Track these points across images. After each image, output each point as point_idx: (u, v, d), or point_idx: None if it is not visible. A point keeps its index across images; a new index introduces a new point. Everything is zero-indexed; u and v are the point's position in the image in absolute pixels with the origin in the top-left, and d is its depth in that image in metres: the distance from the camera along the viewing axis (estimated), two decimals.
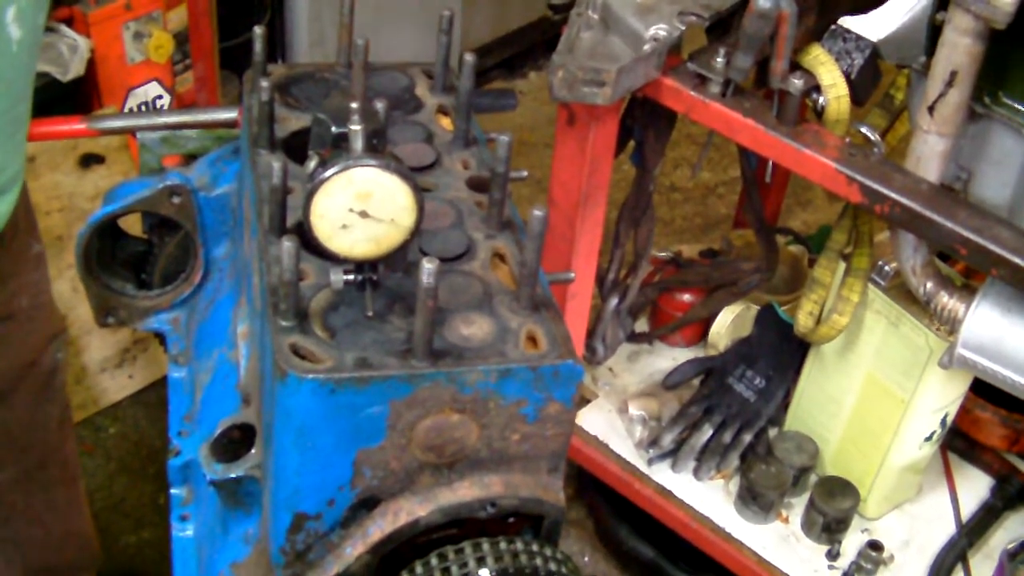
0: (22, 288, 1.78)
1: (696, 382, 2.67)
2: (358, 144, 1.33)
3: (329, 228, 1.34)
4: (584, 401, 2.70)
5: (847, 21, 1.98)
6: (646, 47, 1.93)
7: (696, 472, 2.54)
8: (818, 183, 1.95)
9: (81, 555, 2.18)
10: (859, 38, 1.96)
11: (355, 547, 1.43)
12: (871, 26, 1.95)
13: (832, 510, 2.40)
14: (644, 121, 2.24)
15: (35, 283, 1.82)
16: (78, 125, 2.25)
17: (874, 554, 2.37)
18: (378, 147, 1.36)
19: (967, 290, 2.04)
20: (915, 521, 2.51)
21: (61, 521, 2.08)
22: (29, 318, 1.81)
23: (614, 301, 2.53)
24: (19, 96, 1.52)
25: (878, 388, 2.34)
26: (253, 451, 1.54)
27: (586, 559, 2.86)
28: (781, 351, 2.56)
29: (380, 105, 1.41)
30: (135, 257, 2.05)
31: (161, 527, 2.75)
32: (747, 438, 2.53)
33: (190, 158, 2.08)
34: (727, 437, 2.53)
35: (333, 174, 1.31)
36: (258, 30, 1.75)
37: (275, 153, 1.61)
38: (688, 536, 2.51)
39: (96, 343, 2.94)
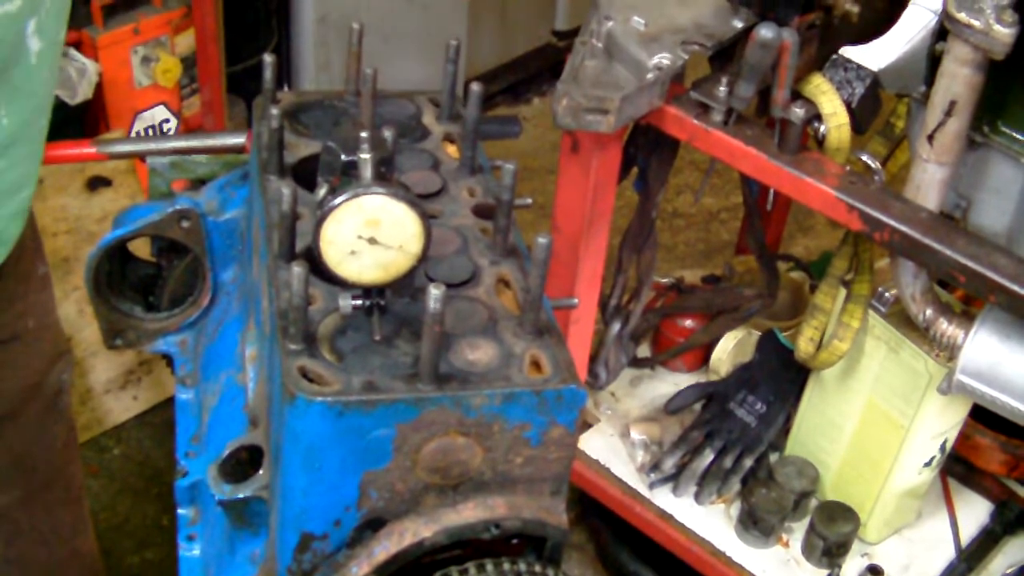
0: (28, 309, 1.79)
1: (697, 407, 2.68)
2: (367, 172, 1.36)
3: (338, 254, 1.36)
4: (586, 425, 2.71)
5: (848, 51, 2.00)
6: (649, 76, 1.96)
7: (697, 496, 2.55)
8: (819, 210, 1.96)
9: None
10: (860, 68, 1.98)
11: (361, 567, 1.44)
12: (872, 56, 1.97)
13: (832, 534, 2.41)
14: (647, 148, 2.26)
15: (41, 304, 1.83)
16: (88, 149, 2.28)
17: None
18: (386, 175, 1.39)
19: (966, 317, 2.06)
20: (915, 546, 2.52)
21: (65, 542, 2.08)
22: (35, 339, 1.82)
23: (616, 326, 2.55)
24: (39, 110, 1.53)
25: (878, 413, 2.35)
26: (261, 472, 1.56)
27: None
28: (782, 377, 2.58)
29: (388, 133, 1.43)
30: (144, 280, 2.07)
31: (164, 548, 2.76)
32: (748, 463, 2.54)
33: (199, 183, 2.11)
34: (728, 462, 2.54)
35: (343, 202, 1.33)
36: (268, 58, 1.77)
37: (284, 179, 1.63)
38: (689, 560, 2.51)
39: (101, 365, 2.96)
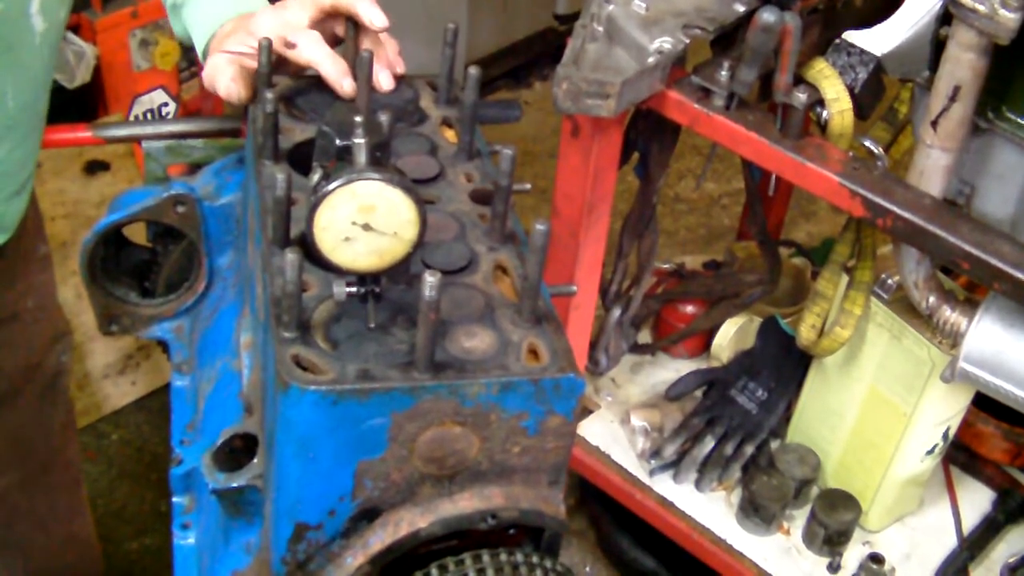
0: (29, 289, 1.79)
1: (698, 393, 2.67)
2: (362, 157, 1.33)
3: (332, 240, 1.34)
4: (586, 412, 2.70)
5: (851, 35, 1.98)
6: (650, 60, 1.94)
7: (698, 483, 2.54)
8: (821, 196, 1.95)
9: (82, 561, 2.18)
10: (863, 52, 1.96)
11: (355, 557, 1.43)
12: (875, 40, 1.96)
13: (833, 522, 2.40)
14: (648, 133, 2.24)
15: (41, 284, 1.83)
16: (84, 133, 2.25)
17: (875, 567, 2.37)
18: (382, 160, 1.37)
19: (969, 304, 2.04)
20: (916, 534, 2.51)
21: (63, 526, 2.08)
22: (35, 319, 1.82)
23: (617, 312, 2.54)
24: (41, 90, 1.53)
25: (880, 401, 2.34)
26: (255, 461, 1.54)
27: (588, 569, 2.87)
28: (783, 363, 2.57)
29: (384, 118, 1.41)
30: (139, 265, 2.05)
31: (162, 534, 2.75)
32: (749, 450, 2.53)
33: (195, 167, 2.09)
34: (729, 449, 2.53)
35: (336, 187, 1.31)
36: (263, 41, 1.75)
37: (279, 164, 1.61)
38: (689, 547, 2.51)
39: (99, 349, 2.95)
